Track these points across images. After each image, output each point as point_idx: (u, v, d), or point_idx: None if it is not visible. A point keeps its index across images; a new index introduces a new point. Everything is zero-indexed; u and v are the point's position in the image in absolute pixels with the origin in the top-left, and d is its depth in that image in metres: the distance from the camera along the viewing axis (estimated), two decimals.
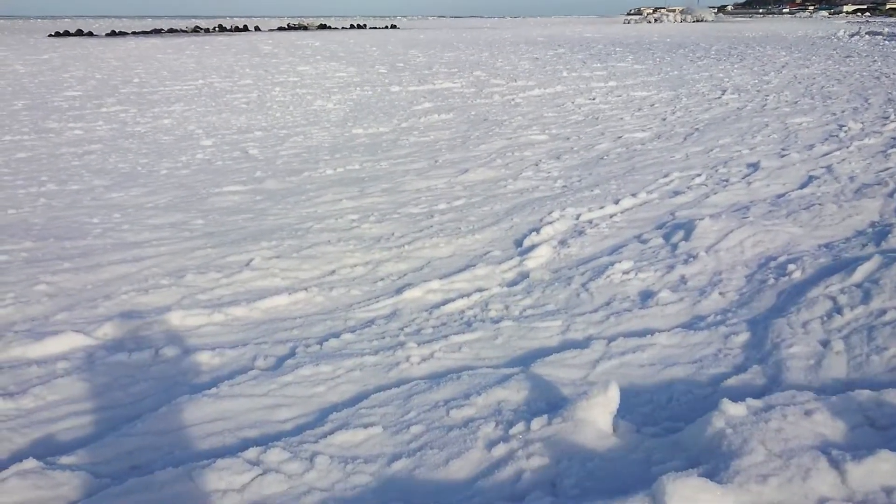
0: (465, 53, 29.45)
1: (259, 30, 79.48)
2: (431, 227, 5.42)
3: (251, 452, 2.22)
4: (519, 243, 4.87)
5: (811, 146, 7.58)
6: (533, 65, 22.76)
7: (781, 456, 2.01)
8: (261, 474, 2.13)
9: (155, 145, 9.90)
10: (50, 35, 57.37)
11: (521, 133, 9.91)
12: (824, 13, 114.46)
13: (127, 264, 4.66)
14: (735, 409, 2.25)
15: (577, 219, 5.33)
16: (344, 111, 12.97)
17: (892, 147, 7.22)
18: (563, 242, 4.78)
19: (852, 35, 33.48)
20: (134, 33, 63.82)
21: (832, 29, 44.23)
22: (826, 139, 7.95)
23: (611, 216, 5.35)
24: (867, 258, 3.84)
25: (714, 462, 2.04)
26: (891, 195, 5.35)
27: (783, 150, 7.51)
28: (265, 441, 2.33)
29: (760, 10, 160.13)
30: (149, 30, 71.11)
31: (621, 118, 10.90)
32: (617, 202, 5.69)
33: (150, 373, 3.18)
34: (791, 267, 3.92)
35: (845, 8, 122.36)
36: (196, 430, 2.44)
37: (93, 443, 2.42)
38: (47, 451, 2.45)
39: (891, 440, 2.16)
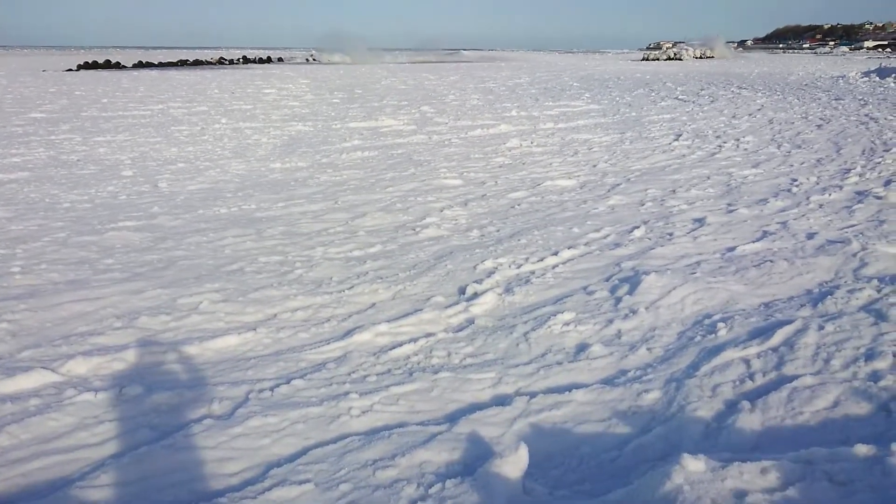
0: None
1: (282, 61, 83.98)
2: (367, 273, 5.97)
3: None
4: (461, 290, 5.43)
5: (764, 201, 7.84)
6: (484, 99, 23.79)
7: None
8: None
9: (75, 176, 10.72)
10: (79, 66, 57.99)
11: (435, 176, 10.34)
12: (845, 49, 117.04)
13: (81, 304, 5.22)
14: (694, 465, 2.46)
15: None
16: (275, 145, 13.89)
17: (857, 203, 7.47)
18: (508, 290, 5.32)
19: (864, 74, 30.32)
20: (160, 64, 67.30)
21: (846, 67, 42.84)
22: (776, 194, 8.17)
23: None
24: (790, 321, 4.38)
25: None
26: (854, 255, 5.60)
27: (729, 205, 7.74)
28: (211, 496, 2.85)
29: (780, 45, 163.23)
30: (175, 60, 74.66)
31: (549, 164, 11.18)
32: (534, 260, 6.03)
33: (115, 412, 3.68)
34: (720, 325, 4.44)
35: (866, 44, 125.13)
36: (153, 482, 2.95)
37: (59, 491, 2.93)
38: (20, 495, 2.95)
39: (849, 495, 2.36)
